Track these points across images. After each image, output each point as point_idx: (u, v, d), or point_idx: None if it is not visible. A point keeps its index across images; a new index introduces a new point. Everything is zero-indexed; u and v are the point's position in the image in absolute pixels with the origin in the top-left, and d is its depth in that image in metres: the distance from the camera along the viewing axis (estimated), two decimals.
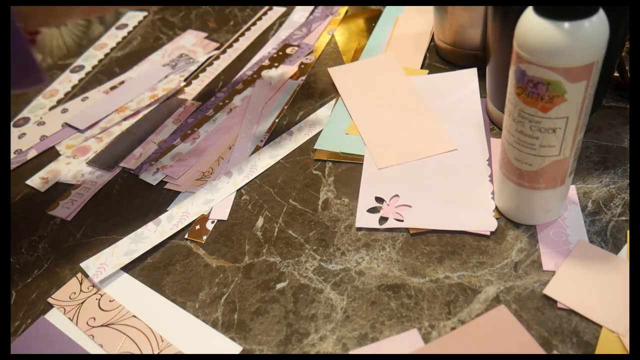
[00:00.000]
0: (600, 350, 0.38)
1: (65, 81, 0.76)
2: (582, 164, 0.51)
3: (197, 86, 0.70)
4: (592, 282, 0.41)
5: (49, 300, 0.47)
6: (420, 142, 0.55)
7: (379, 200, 0.50)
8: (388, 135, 0.57)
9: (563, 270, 0.42)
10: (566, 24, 0.34)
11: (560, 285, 0.41)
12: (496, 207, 0.48)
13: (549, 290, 0.41)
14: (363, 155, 0.55)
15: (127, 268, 0.49)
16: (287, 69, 0.70)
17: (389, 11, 0.77)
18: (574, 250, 0.43)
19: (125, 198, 0.56)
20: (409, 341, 0.40)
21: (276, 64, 0.71)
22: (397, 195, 0.50)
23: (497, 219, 0.47)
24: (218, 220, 0.52)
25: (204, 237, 0.50)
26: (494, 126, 0.56)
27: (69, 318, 0.45)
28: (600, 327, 0.39)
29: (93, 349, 0.43)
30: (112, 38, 0.83)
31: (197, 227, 0.51)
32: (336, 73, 0.67)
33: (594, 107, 0.52)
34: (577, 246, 0.44)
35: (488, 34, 0.52)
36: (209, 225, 0.51)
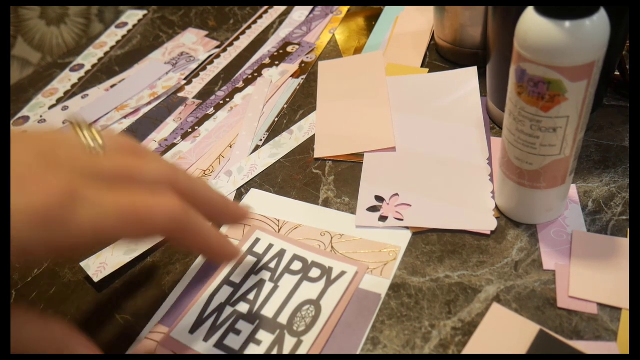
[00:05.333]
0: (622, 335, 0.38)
1: (65, 80, 0.75)
2: (583, 163, 0.51)
3: (198, 84, 0.70)
4: (605, 270, 0.42)
5: None
6: (362, 138, 0.57)
7: (379, 199, 0.50)
8: (336, 128, 0.59)
9: (575, 268, 0.42)
10: (567, 23, 0.34)
11: (581, 284, 0.41)
12: (496, 207, 0.48)
13: (574, 292, 0.41)
14: (362, 154, 0.55)
15: (127, 267, 0.49)
16: (288, 68, 0.70)
17: (389, 10, 0.77)
18: (574, 244, 0.43)
19: None
20: None
21: (277, 63, 0.71)
22: (397, 195, 0.50)
23: (497, 218, 0.47)
24: None
25: None
26: (494, 125, 0.56)
27: None
28: (601, 324, 0.39)
29: None
30: (111, 37, 0.83)
31: None
32: (324, 67, 0.68)
33: (595, 106, 0.51)
34: (575, 237, 0.44)
35: (488, 32, 0.52)
36: None
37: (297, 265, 0.46)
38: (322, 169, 0.55)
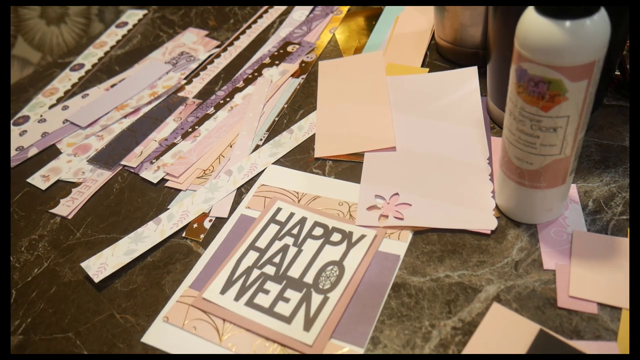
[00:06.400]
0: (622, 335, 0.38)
1: (65, 79, 0.75)
2: (583, 162, 0.51)
3: (198, 84, 0.70)
4: (605, 269, 0.42)
5: None
6: (362, 137, 0.57)
7: (379, 198, 0.50)
8: (337, 128, 0.59)
9: (575, 267, 0.42)
10: (567, 23, 0.34)
11: (581, 283, 0.41)
12: (497, 206, 0.48)
13: (574, 292, 0.41)
14: (362, 154, 0.55)
15: (127, 266, 0.49)
16: (288, 67, 0.70)
17: (390, 10, 0.77)
18: (574, 244, 0.44)
19: (126, 196, 0.56)
20: None
21: (277, 62, 0.71)
22: (397, 194, 0.50)
23: (497, 217, 0.47)
24: (217, 219, 0.52)
25: (202, 236, 0.50)
26: (494, 125, 0.56)
27: None
28: (601, 324, 0.39)
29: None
30: (111, 36, 0.83)
31: (195, 225, 0.51)
32: (324, 67, 0.68)
33: (595, 105, 0.51)
34: (575, 237, 0.44)
35: (489, 32, 0.52)
36: (207, 224, 0.51)
37: (318, 231, 0.48)
38: (322, 168, 0.55)
